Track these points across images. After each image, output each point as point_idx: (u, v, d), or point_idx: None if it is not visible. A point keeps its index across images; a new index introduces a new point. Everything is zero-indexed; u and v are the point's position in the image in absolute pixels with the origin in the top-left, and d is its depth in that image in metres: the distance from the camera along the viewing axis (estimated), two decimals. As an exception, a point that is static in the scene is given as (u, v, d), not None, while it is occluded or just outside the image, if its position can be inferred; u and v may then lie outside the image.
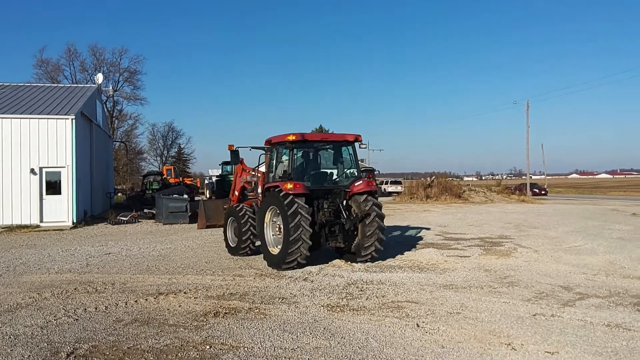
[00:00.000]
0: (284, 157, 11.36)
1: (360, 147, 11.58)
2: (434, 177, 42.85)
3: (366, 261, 10.92)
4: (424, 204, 34.34)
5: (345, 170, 11.65)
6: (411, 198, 36.43)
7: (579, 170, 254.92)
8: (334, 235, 10.89)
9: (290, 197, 10.14)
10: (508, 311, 7.33)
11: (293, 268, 10.31)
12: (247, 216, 11.92)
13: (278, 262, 10.34)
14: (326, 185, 11.31)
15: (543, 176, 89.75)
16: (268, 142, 11.80)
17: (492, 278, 9.66)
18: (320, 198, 10.98)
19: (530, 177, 54.94)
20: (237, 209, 12.18)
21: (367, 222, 10.66)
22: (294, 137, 10.72)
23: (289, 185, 10.22)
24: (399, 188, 49.34)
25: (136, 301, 7.99)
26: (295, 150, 11.01)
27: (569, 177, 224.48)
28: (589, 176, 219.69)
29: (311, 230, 10.11)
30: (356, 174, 11.41)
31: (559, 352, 5.64)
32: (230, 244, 12.62)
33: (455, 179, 63.65)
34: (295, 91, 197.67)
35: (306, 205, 10.15)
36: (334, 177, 11.64)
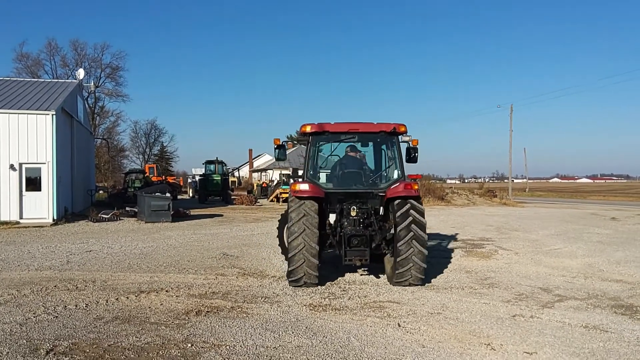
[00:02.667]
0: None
1: (402, 141, 9.46)
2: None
3: (407, 284, 8.74)
4: (408, 205, 34.71)
5: (384, 169, 9.70)
6: (395, 200, 36.81)
7: (560, 175, 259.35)
8: (356, 250, 8.80)
9: (296, 201, 8.62)
10: (488, 312, 7.42)
11: (300, 286, 8.67)
12: None
13: (287, 276, 8.84)
14: (355, 187, 9.32)
15: (525, 179, 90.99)
16: None
17: (473, 279, 9.76)
18: (348, 203, 9.11)
19: (512, 180, 55.60)
20: None
21: (401, 234, 8.47)
22: (309, 129, 9.13)
23: (297, 187, 8.74)
24: None
25: (117, 299, 7.92)
26: (316, 144, 9.42)
27: (550, 181, 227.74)
28: (570, 180, 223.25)
29: (315, 246, 8.35)
30: (397, 174, 9.32)
31: (537, 353, 5.73)
32: None
33: (438, 181, 64.18)
34: (282, 88, 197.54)
35: (314, 213, 8.46)
36: (372, 178, 9.60)
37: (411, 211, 8.56)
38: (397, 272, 8.58)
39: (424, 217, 8.68)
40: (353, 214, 8.92)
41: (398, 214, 8.58)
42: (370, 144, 9.94)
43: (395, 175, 9.30)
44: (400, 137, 9.30)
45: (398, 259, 8.50)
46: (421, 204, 8.83)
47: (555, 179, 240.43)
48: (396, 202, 8.72)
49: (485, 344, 5.99)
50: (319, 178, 9.48)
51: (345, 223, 8.97)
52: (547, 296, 8.47)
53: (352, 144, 9.75)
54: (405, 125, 9.18)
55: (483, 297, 8.29)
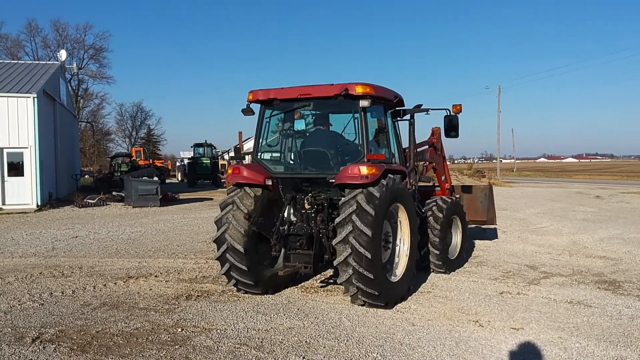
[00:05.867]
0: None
1: (360, 106, 6.65)
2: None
3: (359, 302, 6.56)
4: (396, 186, 34.86)
5: (344, 146, 7.46)
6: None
7: (547, 155, 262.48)
8: (299, 254, 6.97)
9: (230, 188, 7.17)
10: (476, 290, 7.51)
11: (246, 293, 7.23)
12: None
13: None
14: (307, 171, 7.29)
15: (513, 160, 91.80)
16: None
17: (462, 258, 9.84)
18: (304, 192, 7.20)
19: (501, 160, 56.07)
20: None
21: (338, 240, 6.33)
22: (251, 97, 7.36)
23: (230, 170, 7.19)
24: None
25: (105, 285, 7.85)
26: (266, 115, 7.46)
27: (537, 160, 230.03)
28: (557, 160, 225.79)
29: (239, 245, 6.67)
30: (357, 154, 6.86)
31: (524, 328, 5.81)
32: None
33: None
34: (273, 68, 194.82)
35: (245, 204, 6.79)
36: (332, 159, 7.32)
37: (356, 203, 6.23)
38: (340, 277, 6.38)
39: (370, 213, 6.13)
40: (307, 206, 7.03)
41: (339, 209, 6.44)
42: (327, 112, 7.65)
43: (355, 155, 6.96)
44: (361, 102, 6.66)
45: (338, 263, 6.34)
46: (379, 194, 6.25)
47: (542, 159, 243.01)
48: (348, 190, 6.45)
49: (473, 321, 6.06)
50: (271, 159, 7.64)
51: (291, 218, 7.19)
52: (534, 273, 8.58)
53: (323, 115, 7.65)
54: (366, 85, 6.69)
55: (471, 276, 8.38)
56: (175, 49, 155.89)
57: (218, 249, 6.93)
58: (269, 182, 7.03)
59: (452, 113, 8.03)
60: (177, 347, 5.28)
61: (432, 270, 8.39)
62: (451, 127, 8.13)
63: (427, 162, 9.20)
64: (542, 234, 12.95)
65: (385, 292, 6.41)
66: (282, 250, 7.19)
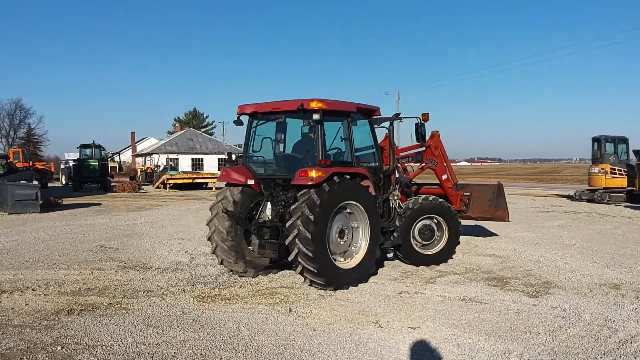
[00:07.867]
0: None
1: (314, 118, 7.68)
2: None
3: (309, 283, 7.63)
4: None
5: (309, 151, 8.35)
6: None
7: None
8: (270, 243, 8.05)
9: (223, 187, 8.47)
10: (377, 291, 7.63)
11: (233, 273, 8.41)
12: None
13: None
14: (280, 173, 8.61)
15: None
16: None
17: (362, 260, 9.97)
18: (279, 191, 8.36)
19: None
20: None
21: (288, 241, 7.38)
22: (239, 110, 8.63)
23: (221, 172, 8.69)
24: None
25: (-29, 302, 6.91)
26: (252, 125, 8.64)
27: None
28: (452, 163, 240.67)
29: (223, 229, 7.94)
30: (314, 159, 7.83)
31: (421, 327, 5.97)
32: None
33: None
34: (169, 62, 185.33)
35: (231, 197, 8.04)
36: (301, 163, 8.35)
37: (303, 199, 7.27)
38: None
39: (313, 214, 7.16)
40: (278, 202, 8.22)
41: (291, 212, 7.43)
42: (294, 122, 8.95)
43: (313, 160, 7.91)
44: (314, 115, 7.66)
45: (289, 259, 7.47)
46: (319, 200, 7.24)
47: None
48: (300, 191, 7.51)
49: (373, 322, 6.12)
50: (256, 162, 8.72)
51: (266, 213, 8.31)
52: (430, 272, 8.93)
53: (308, 123, 8.63)
54: (320, 101, 7.65)
55: (372, 277, 8.50)
56: (59, 41, 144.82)
57: (209, 231, 8.21)
58: (252, 182, 8.27)
59: (421, 121, 9.16)
60: (54, 369, 4.73)
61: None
62: (418, 133, 9.32)
63: (423, 164, 10.35)
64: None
65: (325, 274, 7.37)
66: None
